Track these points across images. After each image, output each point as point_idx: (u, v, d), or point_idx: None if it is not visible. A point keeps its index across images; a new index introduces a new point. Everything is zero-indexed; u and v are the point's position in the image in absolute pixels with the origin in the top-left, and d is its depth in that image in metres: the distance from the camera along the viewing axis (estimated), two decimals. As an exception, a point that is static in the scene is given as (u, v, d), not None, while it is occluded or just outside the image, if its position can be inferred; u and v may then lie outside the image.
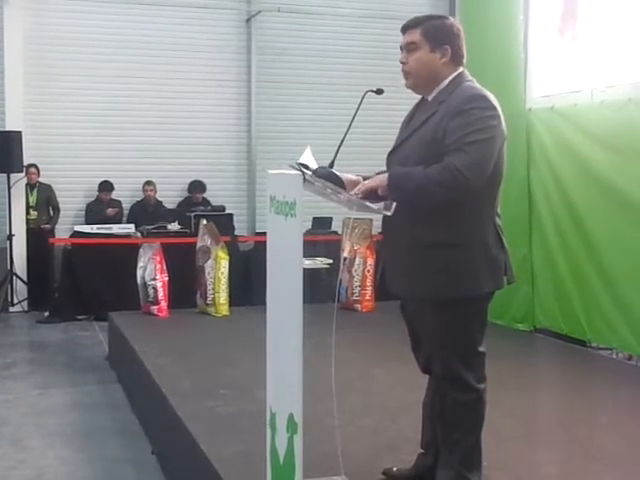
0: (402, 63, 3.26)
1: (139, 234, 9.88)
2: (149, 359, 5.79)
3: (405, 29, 3.25)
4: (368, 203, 3.08)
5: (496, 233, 3.19)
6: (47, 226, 10.43)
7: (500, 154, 3.13)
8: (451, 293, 3.10)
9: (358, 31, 11.56)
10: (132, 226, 10.13)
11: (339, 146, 3.21)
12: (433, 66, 3.21)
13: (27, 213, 10.38)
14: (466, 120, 3.04)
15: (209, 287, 7.69)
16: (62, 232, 10.52)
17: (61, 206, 10.61)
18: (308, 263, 7.76)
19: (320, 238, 9.35)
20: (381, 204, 3.05)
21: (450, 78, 3.21)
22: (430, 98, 3.24)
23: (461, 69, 3.25)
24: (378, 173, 3.27)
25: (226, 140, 11.44)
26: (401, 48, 3.26)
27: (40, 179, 10.46)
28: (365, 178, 3.25)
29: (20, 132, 10.07)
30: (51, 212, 10.58)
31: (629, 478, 3.74)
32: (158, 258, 7.77)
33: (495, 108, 3.10)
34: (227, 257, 7.76)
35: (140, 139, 10.98)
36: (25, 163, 10.14)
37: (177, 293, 7.86)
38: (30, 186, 10.41)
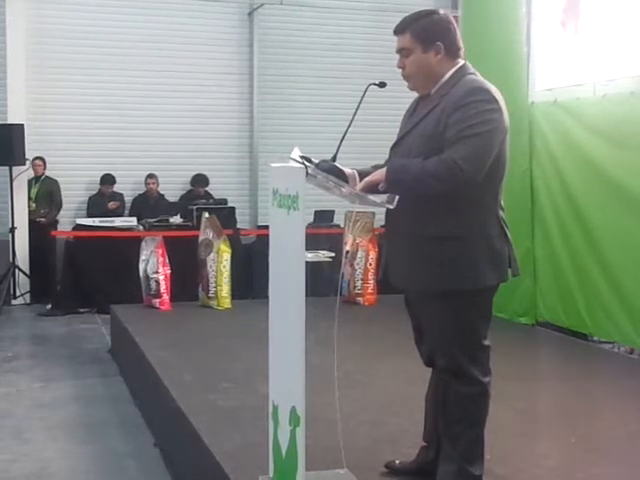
0: (400, 68, 3.25)
1: (141, 227, 9.89)
2: (151, 352, 5.79)
3: (395, 33, 3.23)
4: (370, 196, 3.08)
5: (499, 226, 3.18)
6: (43, 219, 10.43)
7: (502, 147, 3.12)
8: (454, 285, 3.09)
9: (361, 24, 11.55)
10: (134, 219, 10.14)
11: (342, 139, 3.21)
12: (429, 66, 3.18)
13: (28, 205, 10.40)
14: (466, 113, 3.03)
15: (211, 280, 7.70)
16: (64, 225, 10.54)
17: (63, 199, 10.61)
18: (310, 256, 7.77)
19: (322, 231, 9.35)
20: (384, 197, 3.05)
21: (451, 72, 3.19)
22: (432, 92, 3.23)
23: (461, 62, 3.22)
24: (374, 166, 3.26)
25: (228, 133, 11.44)
26: (397, 52, 3.26)
27: (48, 173, 10.49)
28: (360, 172, 3.25)
29: (22, 125, 10.07)
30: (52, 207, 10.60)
31: (630, 471, 3.74)
32: (160, 251, 7.77)
33: (496, 101, 3.09)
34: (229, 250, 7.76)
35: (142, 132, 10.98)
36: (27, 156, 10.15)
37: (179, 286, 7.87)
38: (36, 179, 10.45)
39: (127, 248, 8.72)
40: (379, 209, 3.22)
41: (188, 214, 9.91)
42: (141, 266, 7.89)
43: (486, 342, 3.21)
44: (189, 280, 7.95)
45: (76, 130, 10.73)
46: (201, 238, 7.97)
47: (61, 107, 10.69)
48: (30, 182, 10.45)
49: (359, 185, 3.15)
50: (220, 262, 7.68)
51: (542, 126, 7.09)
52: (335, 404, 3.43)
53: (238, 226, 10.26)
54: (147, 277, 7.77)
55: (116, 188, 10.81)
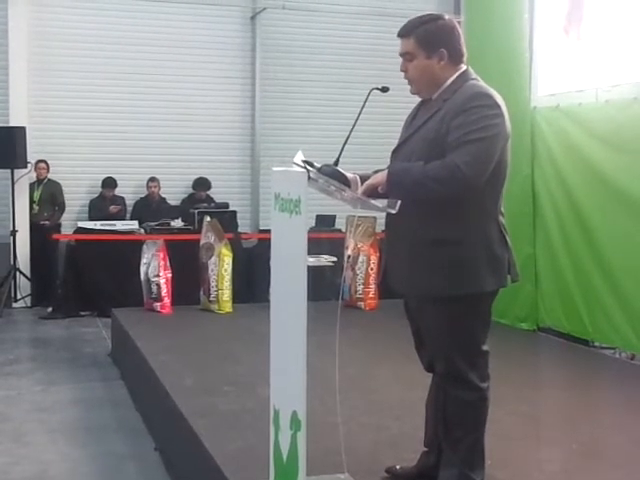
0: (402, 71, 3.25)
1: (142, 230, 9.89)
2: (152, 356, 5.79)
3: (399, 36, 3.23)
4: (372, 201, 3.08)
5: (499, 231, 3.18)
6: (46, 222, 10.43)
7: (503, 153, 3.12)
8: (453, 290, 3.09)
9: (363, 29, 11.56)
10: (136, 222, 10.15)
11: (344, 144, 3.21)
12: (432, 71, 3.19)
13: (31, 208, 10.41)
14: (468, 118, 3.03)
15: (212, 284, 7.70)
16: (66, 228, 10.54)
17: (65, 202, 10.60)
18: (312, 261, 7.77)
19: (324, 236, 9.34)
20: (385, 201, 3.05)
21: (453, 77, 3.19)
22: (434, 96, 3.23)
23: (463, 67, 3.23)
24: (376, 172, 3.26)
25: (230, 137, 11.45)
26: (400, 55, 3.26)
27: (50, 176, 10.50)
28: (362, 176, 3.25)
29: (24, 128, 10.08)
30: (56, 209, 10.60)
31: (631, 477, 3.73)
32: (162, 255, 7.78)
33: (499, 106, 3.09)
34: (230, 254, 7.76)
35: (144, 136, 10.99)
36: (29, 159, 10.16)
37: (180, 290, 7.86)
38: (38, 182, 10.45)
39: (128, 251, 8.72)
40: (380, 214, 3.21)
41: (189, 218, 9.92)
42: (142, 269, 7.89)
43: (485, 347, 3.21)
44: (190, 284, 7.94)
45: (77, 133, 10.74)
46: (202, 242, 7.97)
47: (63, 110, 10.70)
48: (32, 185, 10.46)
49: (360, 188, 3.15)
50: (221, 266, 7.68)
51: (544, 131, 7.09)
52: (336, 408, 3.43)
53: (239, 230, 10.28)
54: (148, 280, 7.77)
55: (118, 191, 10.82)
